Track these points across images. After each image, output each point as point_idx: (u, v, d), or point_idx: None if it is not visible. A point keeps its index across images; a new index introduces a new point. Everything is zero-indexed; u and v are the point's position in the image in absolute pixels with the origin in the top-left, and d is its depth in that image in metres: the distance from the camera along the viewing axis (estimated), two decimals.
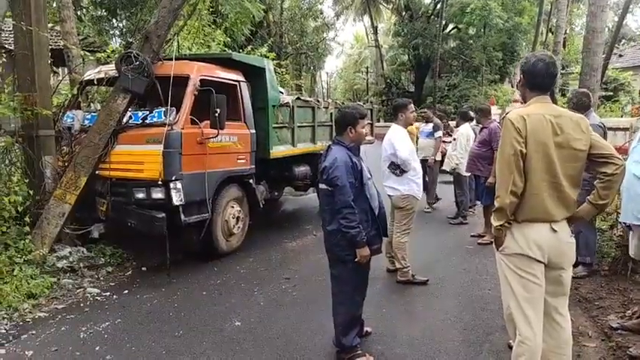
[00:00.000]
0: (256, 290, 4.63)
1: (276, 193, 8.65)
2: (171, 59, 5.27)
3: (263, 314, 4.07)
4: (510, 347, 2.57)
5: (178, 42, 6.79)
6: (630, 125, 5.59)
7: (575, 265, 4.52)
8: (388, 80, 28.83)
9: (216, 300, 4.39)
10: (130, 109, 5.31)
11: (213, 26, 9.84)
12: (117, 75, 5.26)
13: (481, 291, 4.52)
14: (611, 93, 17.41)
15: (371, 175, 3.21)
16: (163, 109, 4.98)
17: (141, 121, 5.16)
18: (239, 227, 5.83)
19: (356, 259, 3.04)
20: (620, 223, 4.36)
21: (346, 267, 3.13)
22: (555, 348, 2.57)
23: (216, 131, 5.05)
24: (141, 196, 4.94)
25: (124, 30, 14.83)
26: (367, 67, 36.62)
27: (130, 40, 5.93)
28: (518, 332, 2.50)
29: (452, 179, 7.98)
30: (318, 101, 8.00)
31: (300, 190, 9.39)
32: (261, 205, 6.34)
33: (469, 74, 24.30)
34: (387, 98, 27.97)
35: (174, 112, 4.95)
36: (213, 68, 5.58)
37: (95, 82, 6.11)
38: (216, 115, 4.95)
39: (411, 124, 5.44)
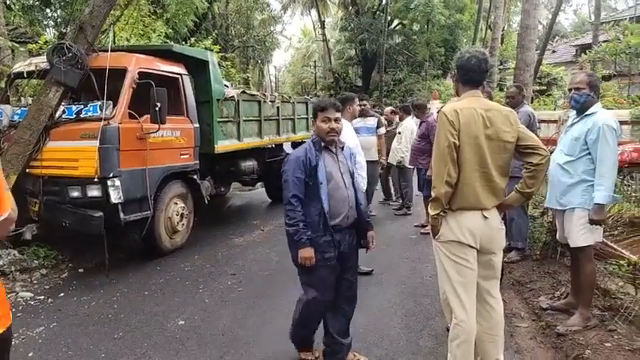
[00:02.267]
0: (201, 288, 4.56)
1: (222, 189, 8.55)
2: (107, 51, 5.04)
3: (208, 312, 4.02)
4: (448, 330, 2.68)
5: (115, 33, 6.52)
6: (559, 117, 5.95)
7: (508, 251, 4.84)
8: (336, 74, 29.01)
9: (159, 299, 4.29)
10: (63, 104, 5.06)
11: (153, 17, 9.49)
12: (49, 67, 4.98)
13: (422, 278, 4.69)
14: (545, 87, 18.40)
15: (347, 176, 2.92)
16: (99, 103, 4.78)
17: (75, 116, 4.93)
18: (183, 224, 5.71)
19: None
20: (548, 209, 4.64)
21: (299, 266, 2.87)
22: (488, 329, 2.70)
23: (156, 126, 4.90)
24: (76, 194, 4.73)
25: (59, 20, 14.01)
26: (315, 61, 36.65)
27: (64, 31, 5.62)
28: (453, 315, 2.61)
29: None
30: (265, 95, 7.94)
31: (248, 185, 9.33)
32: (207, 201, 6.23)
33: (414, 69, 24.92)
34: (335, 92, 28.18)
35: (111, 106, 4.76)
36: (152, 60, 5.40)
37: (25, 75, 5.74)
38: (157, 109, 4.80)
39: (356, 117, 5.52)
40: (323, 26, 31.43)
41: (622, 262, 4.13)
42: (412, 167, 7.38)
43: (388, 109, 9.79)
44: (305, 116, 9.14)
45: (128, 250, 5.65)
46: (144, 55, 5.39)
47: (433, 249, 2.77)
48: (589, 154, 3.23)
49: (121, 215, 4.76)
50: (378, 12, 26.00)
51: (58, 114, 4.99)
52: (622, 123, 8.52)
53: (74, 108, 4.98)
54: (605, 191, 3.11)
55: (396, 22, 26.83)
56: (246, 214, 8.30)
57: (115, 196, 4.68)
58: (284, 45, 39.24)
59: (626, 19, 17.73)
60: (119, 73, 4.90)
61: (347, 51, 28.88)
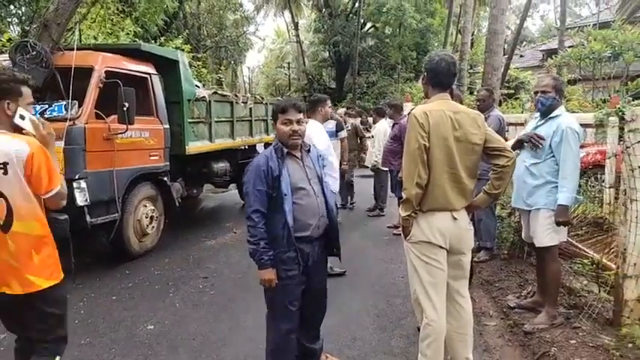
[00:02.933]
0: (172, 292, 4.48)
1: (194, 191, 8.44)
2: (73, 49, 4.90)
3: (178, 316, 3.95)
4: (419, 330, 2.71)
5: (81, 31, 6.36)
6: (525, 120, 6.09)
7: (477, 250, 4.93)
8: (310, 76, 28.99)
9: (128, 304, 4.19)
10: None
11: (121, 15, 9.28)
12: (11, 65, 4.80)
13: (394, 279, 4.73)
14: (513, 91, 18.85)
15: (315, 182, 2.69)
16: (64, 102, 4.63)
17: (39, 116, 4.75)
18: (153, 227, 5.60)
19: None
20: (515, 209, 4.75)
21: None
22: (458, 328, 2.75)
23: (124, 126, 4.79)
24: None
25: (23, 17, 13.55)
26: (289, 63, 36.58)
27: (28, 29, 5.44)
28: (424, 315, 2.64)
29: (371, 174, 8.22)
30: (237, 96, 7.88)
31: (221, 186, 9.23)
32: (178, 203, 6.14)
33: (386, 72, 25.12)
34: (309, 94, 28.15)
35: (77, 106, 4.63)
36: (120, 59, 5.28)
37: None
38: (125, 109, 4.69)
39: (328, 119, 5.52)
40: (296, 28, 31.39)
41: (586, 261, 4.26)
42: (386, 169, 7.43)
43: (341, 110, 9.76)
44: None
45: (96, 254, 5.51)
46: (111, 54, 5.26)
47: (404, 250, 2.79)
48: (553, 156, 3.32)
49: (88, 218, 4.63)
50: (351, 14, 26.13)
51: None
52: (586, 126, 8.79)
53: (38, 108, 4.80)
54: (567, 192, 3.20)
55: (368, 25, 27.01)
56: (218, 216, 8.21)
57: (81, 199, 4.54)
58: (257, 46, 39.05)
59: (589, 25, 18.34)
60: (85, 73, 4.77)
61: (321, 53, 28.91)
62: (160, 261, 5.38)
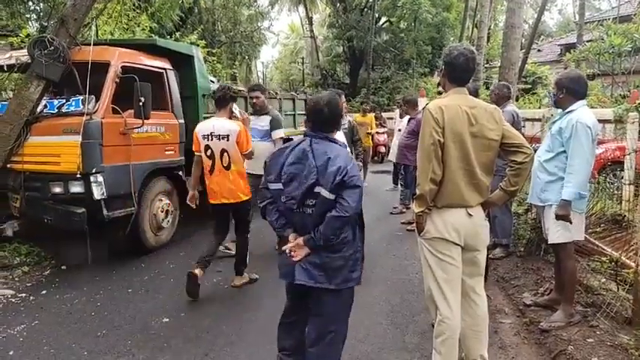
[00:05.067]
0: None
1: None
2: (89, 44, 4.96)
3: (192, 309, 3.99)
4: (433, 326, 2.69)
5: (97, 26, 6.41)
6: (542, 116, 6.01)
7: (493, 247, 4.88)
8: (324, 71, 28.92)
9: (143, 297, 4.24)
10: (44, 98, 4.97)
11: (137, 11, 9.34)
12: (30, 61, 4.88)
13: (408, 275, 4.71)
14: (530, 86, 18.58)
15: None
16: (81, 97, 4.70)
17: (57, 111, 4.85)
18: (168, 221, 5.65)
19: None
20: (532, 205, 4.69)
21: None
22: (473, 325, 2.72)
23: (140, 121, 4.83)
24: (58, 190, 4.65)
25: (41, 13, 13.73)
26: (303, 58, 36.53)
27: (45, 24, 5.50)
28: (438, 312, 2.62)
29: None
30: None
31: None
32: None
33: (401, 67, 24.93)
34: (323, 89, 28.16)
35: (94, 101, 4.68)
36: (136, 54, 5.33)
37: (6, 69, 5.62)
38: (141, 104, 4.74)
39: (342, 116, 5.50)
40: (311, 23, 31.31)
41: (604, 258, 4.19)
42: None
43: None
44: (292, 112, 9.09)
45: (112, 247, 5.57)
46: (127, 49, 5.31)
47: (418, 246, 2.77)
48: (565, 151, 3.27)
49: (105, 212, 4.69)
50: (365, 9, 25.96)
51: (39, 108, 4.91)
52: (605, 122, 8.66)
53: (56, 102, 4.90)
54: (572, 188, 3.15)
55: (383, 19, 26.82)
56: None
57: (98, 193, 4.61)
58: (271, 41, 39.02)
59: (609, 19, 17.95)
60: (102, 68, 4.82)
61: (335, 48, 28.79)
62: (175, 255, 5.43)
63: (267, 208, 2.51)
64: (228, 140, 4.05)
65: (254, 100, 5.23)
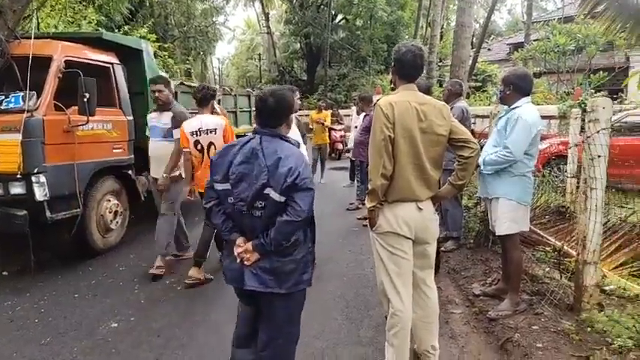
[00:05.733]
0: (137, 288, 4.38)
1: None
2: (30, 38, 4.70)
3: (143, 312, 3.86)
4: (387, 319, 2.72)
5: (40, 19, 6.09)
6: (490, 112, 6.20)
7: (445, 240, 5.00)
8: (281, 68, 28.81)
9: (90, 302, 4.07)
10: None
11: (83, 3, 8.95)
12: None
13: (363, 270, 4.75)
14: (481, 84, 19.21)
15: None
16: (22, 93, 4.43)
17: None
18: (117, 222, 5.45)
19: None
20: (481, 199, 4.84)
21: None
22: (424, 317, 2.78)
23: (85, 118, 4.62)
24: None
25: None
26: (260, 54, 36.20)
27: None
28: (390, 305, 2.66)
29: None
30: None
31: None
32: (144, 198, 5.97)
33: (357, 64, 25.21)
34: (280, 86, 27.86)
35: (35, 97, 4.43)
36: (80, 48, 5.09)
37: None
38: (85, 100, 4.53)
39: (296, 111, 5.47)
40: (267, 19, 31.13)
41: (548, 248, 4.39)
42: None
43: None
44: (247, 109, 8.99)
45: (57, 250, 5.32)
46: (71, 43, 5.06)
47: (371, 241, 2.80)
48: None
49: (48, 214, 4.46)
50: (322, 6, 26.03)
51: None
52: (550, 118, 9.04)
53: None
54: (488, 164, 3.41)
55: (340, 16, 27.01)
56: (187, 210, 8.04)
57: (41, 194, 4.38)
58: (227, 37, 38.52)
59: (555, 19, 18.80)
60: (44, 62, 4.58)
61: (292, 44, 28.74)
62: (124, 257, 5.25)
63: (212, 210, 2.35)
64: (215, 133, 4.21)
65: (156, 94, 4.61)
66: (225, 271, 2.40)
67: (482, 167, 3.49)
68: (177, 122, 4.49)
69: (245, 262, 2.26)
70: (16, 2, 4.81)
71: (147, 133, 4.94)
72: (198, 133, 4.22)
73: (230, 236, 2.31)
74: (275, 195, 2.16)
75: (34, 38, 4.70)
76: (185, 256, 5.09)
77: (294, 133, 4.50)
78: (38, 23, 5.87)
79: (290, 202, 2.17)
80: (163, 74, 7.04)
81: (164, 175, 4.53)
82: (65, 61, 4.73)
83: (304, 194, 2.18)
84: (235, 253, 2.28)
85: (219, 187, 2.28)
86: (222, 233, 2.37)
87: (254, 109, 8.81)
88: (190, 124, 4.27)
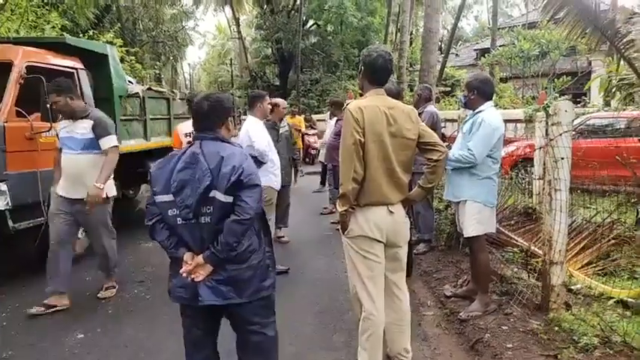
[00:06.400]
0: (104, 298, 4.25)
1: (130, 192, 8.09)
2: None
3: (111, 322, 3.76)
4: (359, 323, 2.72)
5: None
6: (458, 116, 6.33)
7: (417, 243, 5.05)
8: (253, 73, 28.63)
9: (55, 313, 3.92)
10: None
11: (47, 7, 8.69)
12: None
13: (337, 274, 4.74)
14: (450, 88, 19.58)
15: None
16: None
17: None
18: (82, 231, 5.27)
19: None
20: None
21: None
22: (396, 320, 2.79)
23: (48, 125, 4.47)
24: None
25: None
26: (231, 59, 35.92)
27: None
28: (363, 309, 2.66)
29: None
30: (174, 92, 7.62)
31: None
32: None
33: (329, 69, 25.30)
34: (252, 91, 27.71)
35: None
36: (43, 53, 4.94)
37: None
38: (48, 106, 4.39)
39: (267, 116, 5.46)
40: (238, 24, 30.88)
41: (516, 249, 4.48)
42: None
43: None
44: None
45: (21, 261, 5.12)
46: (33, 47, 4.91)
47: (343, 245, 2.80)
48: None
49: (10, 223, 4.29)
50: (293, 11, 26.05)
51: None
52: (517, 121, 9.28)
53: None
54: (451, 160, 3.41)
55: (311, 22, 27.06)
56: None
57: (2, 203, 4.22)
58: (198, 42, 38.15)
59: (519, 25, 19.35)
60: (4, 68, 4.44)
61: (263, 50, 28.59)
62: (91, 266, 5.05)
63: (155, 227, 2.21)
64: None
65: (54, 106, 4.05)
66: (174, 290, 2.26)
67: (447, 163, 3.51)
68: (102, 130, 3.99)
69: (195, 278, 2.15)
70: None
71: (58, 145, 4.13)
72: (191, 134, 4.13)
73: (177, 253, 2.19)
74: (220, 196, 2.09)
75: None
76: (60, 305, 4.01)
77: (258, 135, 4.49)
78: None
79: (237, 200, 2.11)
80: (131, 79, 6.92)
81: (98, 185, 3.90)
82: (27, 67, 4.58)
83: (251, 191, 2.13)
84: (183, 271, 2.16)
85: (160, 199, 2.16)
86: (168, 251, 2.23)
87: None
88: (186, 126, 4.48)
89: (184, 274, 2.16)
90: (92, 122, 3.99)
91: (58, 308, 3.93)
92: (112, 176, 4.18)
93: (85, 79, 5.37)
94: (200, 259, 2.15)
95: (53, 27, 8.60)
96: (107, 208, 4.22)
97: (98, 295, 4.26)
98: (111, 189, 4.19)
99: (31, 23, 7.78)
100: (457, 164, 3.47)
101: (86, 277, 4.81)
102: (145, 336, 3.51)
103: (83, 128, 3.98)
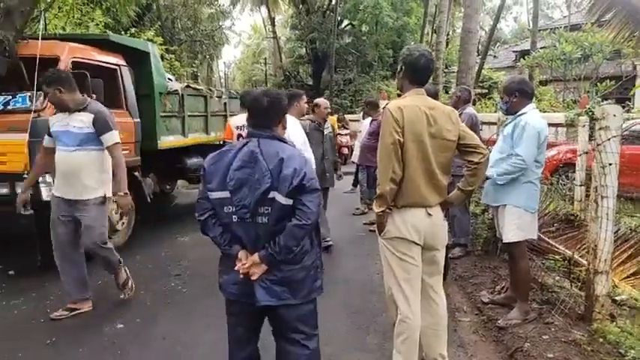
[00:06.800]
0: (142, 290, 4.34)
1: (167, 187, 8.28)
2: (37, 38, 4.72)
3: (149, 314, 3.84)
4: (394, 326, 2.68)
5: (47, 20, 6.13)
6: (498, 119, 6.19)
7: (452, 247, 4.96)
8: (287, 72, 28.81)
9: (97, 303, 4.02)
10: None
11: (91, 5, 9.00)
12: None
13: (370, 276, 4.71)
14: (487, 91, 19.17)
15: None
16: (28, 93, 4.46)
17: (2, 107, 4.58)
18: (123, 223, 5.44)
19: None
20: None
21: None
22: (432, 324, 2.73)
23: None
24: (4, 191, 4.39)
25: None
26: (265, 59, 36.28)
27: None
28: (398, 311, 2.62)
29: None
30: (211, 90, 7.75)
31: (194, 182, 9.05)
32: (150, 200, 5.97)
33: (363, 70, 25.19)
34: (286, 90, 27.86)
35: (42, 98, 4.44)
36: (87, 50, 5.11)
37: None
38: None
39: (303, 115, 5.47)
40: (273, 23, 31.18)
41: (558, 257, 4.34)
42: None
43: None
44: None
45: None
46: (78, 44, 5.08)
47: (379, 246, 2.76)
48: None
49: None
50: (328, 11, 26.07)
51: None
52: (557, 125, 9.00)
53: (1, 99, 4.63)
54: (497, 174, 3.35)
55: (345, 22, 27.00)
56: (192, 212, 7.92)
57: (47, 194, 4.37)
58: (234, 41, 38.70)
59: (561, 27, 18.75)
60: (51, 63, 4.57)
61: (297, 49, 28.76)
62: (130, 258, 5.20)
63: (207, 222, 2.18)
64: None
65: (50, 97, 3.75)
66: (227, 286, 2.25)
67: (494, 177, 3.41)
68: (104, 125, 3.64)
69: (252, 277, 2.11)
70: (23, 3, 4.83)
71: (45, 142, 3.82)
72: (243, 127, 4.34)
73: (230, 250, 2.17)
74: (281, 198, 2.05)
75: (42, 39, 4.73)
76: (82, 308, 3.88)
77: (296, 134, 4.51)
78: (46, 24, 5.90)
79: (298, 205, 2.07)
80: (170, 77, 7.08)
81: (122, 193, 3.76)
82: (72, 62, 4.74)
83: (312, 195, 2.10)
84: (238, 268, 2.12)
85: (214, 195, 2.12)
86: (221, 247, 2.20)
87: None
88: (239, 119, 4.60)
89: (240, 273, 2.13)
90: (92, 116, 3.61)
91: (80, 311, 3.82)
92: (110, 178, 3.81)
93: (127, 76, 5.53)
94: (256, 257, 2.11)
95: (97, 24, 8.90)
96: (105, 209, 3.82)
97: (121, 296, 4.02)
98: (109, 188, 3.81)
99: (76, 21, 8.08)
100: (508, 176, 3.35)
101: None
102: (181, 329, 3.57)
103: (80, 122, 3.60)
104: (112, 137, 3.68)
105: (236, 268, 2.13)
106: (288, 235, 2.07)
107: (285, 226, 2.08)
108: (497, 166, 3.43)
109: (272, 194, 2.06)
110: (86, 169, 3.63)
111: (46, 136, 3.80)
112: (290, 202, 2.07)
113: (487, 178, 3.43)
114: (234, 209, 2.09)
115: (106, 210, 3.88)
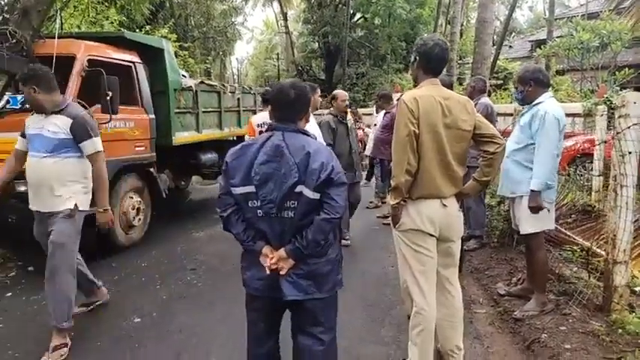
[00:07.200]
0: (159, 284, 4.41)
1: (182, 182, 8.36)
2: (54, 37, 4.78)
3: (165, 308, 3.89)
4: (409, 318, 2.68)
5: (63, 19, 6.21)
6: (514, 109, 6.10)
7: (467, 239, 4.92)
8: (299, 67, 28.80)
9: (114, 297, 4.09)
10: (6, 93, 4.76)
11: (105, 4, 9.10)
12: None
13: (384, 268, 4.71)
14: (502, 81, 18.90)
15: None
16: None
17: (20, 106, 4.64)
18: (140, 219, 5.51)
19: None
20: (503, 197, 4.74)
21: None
22: (448, 316, 2.72)
23: (108, 116, 4.67)
24: (22, 188, 4.44)
25: (3, 5, 13.26)
26: (278, 54, 36.32)
27: (7, 16, 5.29)
28: (414, 303, 2.61)
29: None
30: (224, 86, 7.78)
31: (209, 178, 9.12)
32: (165, 195, 6.04)
33: (376, 63, 25.05)
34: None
35: None
36: (103, 48, 5.16)
37: None
38: (108, 98, 4.58)
39: (317, 109, 5.46)
40: (285, 18, 31.14)
41: (575, 248, 4.27)
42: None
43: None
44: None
45: (81, 246, 5.38)
46: (94, 42, 5.14)
47: (394, 238, 2.75)
48: (534, 143, 3.30)
49: None
50: (340, 5, 25.93)
51: (1, 104, 4.71)
52: (575, 115, 8.85)
53: (19, 97, 4.70)
54: (539, 178, 3.19)
55: (358, 15, 26.86)
56: (206, 207, 8.12)
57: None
58: (246, 37, 38.69)
59: (578, 15, 18.38)
60: (67, 61, 4.66)
61: (310, 44, 28.71)
62: (146, 253, 5.30)
63: (230, 218, 2.13)
64: None
65: (25, 96, 3.43)
66: (251, 282, 2.20)
67: (540, 182, 3.22)
68: (84, 132, 3.20)
69: (280, 272, 2.08)
70: (40, 3, 4.89)
71: (17, 145, 3.41)
72: (263, 125, 4.44)
73: (254, 246, 2.12)
74: (309, 192, 2.02)
75: (58, 38, 4.79)
76: (99, 299, 3.87)
77: (311, 128, 4.51)
78: (62, 23, 5.98)
79: (326, 198, 2.04)
80: (184, 73, 7.12)
81: (101, 209, 3.40)
82: (88, 60, 4.80)
83: (339, 189, 2.06)
84: (265, 264, 2.09)
85: (238, 190, 2.07)
86: (244, 243, 2.16)
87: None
88: (258, 117, 4.83)
89: (266, 269, 2.09)
90: (70, 121, 3.18)
91: (97, 303, 3.81)
92: (90, 189, 3.39)
93: (142, 73, 5.58)
94: (282, 252, 2.08)
95: (111, 23, 9.00)
96: (75, 223, 3.31)
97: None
98: (83, 201, 3.34)
99: (91, 19, 8.19)
100: (550, 174, 3.25)
101: (142, 264, 5.00)
102: (197, 322, 3.61)
103: (55, 125, 3.17)
104: (93, 145, 3.25)
105: (265, 264, 2.09)
106: (316, 228, 2.05)
107: (311, 221, 2.05)
108: (518, 158, 3.38)
109: (299, 188, 2.02)
110: (58, 180, 3.20)
111: (20, 138, 3.37)
112: (317, 196, 2.04)
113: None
114: (259, 204, 2.06)
115: (78, 225, 3.33)
